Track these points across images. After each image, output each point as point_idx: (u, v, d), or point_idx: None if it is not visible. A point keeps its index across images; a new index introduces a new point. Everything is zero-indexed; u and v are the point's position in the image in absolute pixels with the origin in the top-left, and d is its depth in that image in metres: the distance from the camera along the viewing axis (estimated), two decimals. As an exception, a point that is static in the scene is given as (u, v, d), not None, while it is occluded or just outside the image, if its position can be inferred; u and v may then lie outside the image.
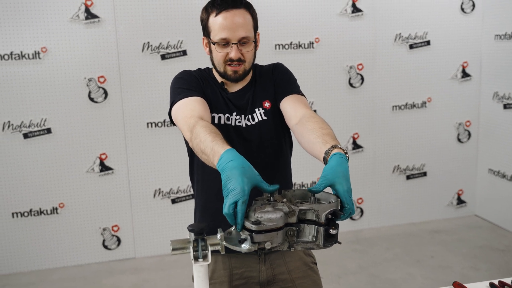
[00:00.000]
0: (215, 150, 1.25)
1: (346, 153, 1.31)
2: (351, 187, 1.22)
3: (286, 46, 3.86)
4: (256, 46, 1.63)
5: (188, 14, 3.64)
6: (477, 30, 4.23)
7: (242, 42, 1.55)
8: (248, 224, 1.14)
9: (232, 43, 1.54)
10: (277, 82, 1.69)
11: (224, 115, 1.63)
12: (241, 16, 1.54)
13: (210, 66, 1.72)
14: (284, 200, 1.22)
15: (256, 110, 1.65)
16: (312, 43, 3.91)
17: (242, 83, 1.68)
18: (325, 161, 1.31)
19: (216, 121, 1.62)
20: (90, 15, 3.50)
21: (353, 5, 3.94)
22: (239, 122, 1.63)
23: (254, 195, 1.22)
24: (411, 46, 4.11)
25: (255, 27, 1.61)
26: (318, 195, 1.27)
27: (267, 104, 1.66)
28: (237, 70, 1.59)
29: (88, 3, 3.48)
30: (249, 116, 1.64)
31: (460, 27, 4.19)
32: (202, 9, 1.62)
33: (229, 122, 1.62)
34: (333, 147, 1.32)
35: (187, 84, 1.62)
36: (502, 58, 4.08)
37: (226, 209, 1.12)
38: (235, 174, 1.14)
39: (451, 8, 4.15)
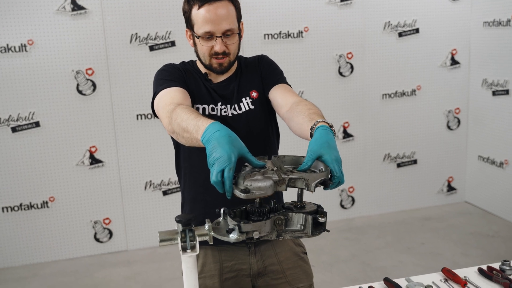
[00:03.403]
0: (199, 125, 1.23)
1: (331, 126, 1.31)
2: (339, 156, 1.22)
3: (275, 36, 3.84)
4: (240, 37, 1.61)
5: (176, 4, 3.61)
6: (465, 17, 4.23)
7: (226, 34, 1.54)
8: (237, 193, 1.13)
9: (217, 36, 1.53)
10: (264, 72, 1.69)
11: (208, 106, 1.62)
12: (225, 8, 1.52)
13: (195, 58, 1.71)
14: (275, 168, 1.20)
15: (243, 99, 1.64)
16: (301, 32, 3.90)
17: (227, 73, 1.67)
18: (311, 136, 1.31)
19: (200, 112, 1.61)
20: (76, 6, 3.46)
21: (342, -6, 3.93)
22: (224, 112, 1.62)
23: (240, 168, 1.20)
24: (400, 34, 4.11)
25: (239, 17, 1.60)
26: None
27: (254, 94, 1.66)
28: (222, 63, 1.58)
29: (74, -6, 3.45)
30: (236, 105, 1.63)
31: (449, 15, 4.19)
32: (184, 0, 1.60)
33: (214, 113, 1.61)
34: (318, 122, 1.32)
35: (169, 76, 1.61)
36: (491, 45, 4.09)
37: (214, 177, 1.11)
38: (222, 142, 1.12)
39: (440, -4, 4.15)
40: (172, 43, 3.66)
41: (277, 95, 1.62)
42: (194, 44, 1.61)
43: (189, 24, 1.59)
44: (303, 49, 3.92)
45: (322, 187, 1.21)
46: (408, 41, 4.14)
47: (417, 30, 4.14)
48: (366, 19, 4.01)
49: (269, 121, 1.70)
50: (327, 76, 4.02)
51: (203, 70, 1.67)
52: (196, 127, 1.24)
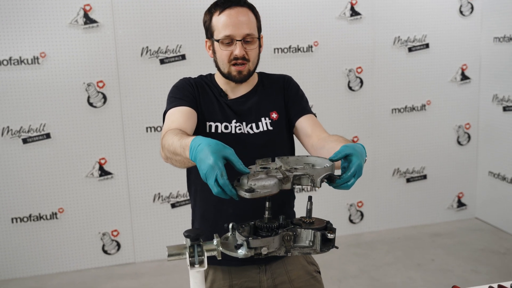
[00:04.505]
0: (184, 145, 1.24)
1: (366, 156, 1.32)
2: (362, 170, 1.22)
3: (285, 50, 3.86)
4: (260, 47, 1.61)
5: (187, 18, 3.65)
6: (476, 32, 4.23)
7: (246, 40, 1.54)
8: (241, 193, 1.12)
9: (237, 40, 1.53)
10: (292, 98, 1.68)
11: (221, 124, 1.59)
12: (245, 14, 1.54)
13: (210, 71, 1.70)
14: (278, 166, 1.20)
15: (263, 119, 1.62)
16: (311, 47, 3.91)
17: (245, 89, 1.65)
18: None
19: (213, 130, 1.59)
20: (88, 20, 3.51)
21: (352, 9, 3.94)
22: (239, 129, 1.59)
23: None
24: (410, 49, 4.11)
25: (259, 28, 1.60)
26: (313, 161, 1.27)
27: (274, 115, 1.64)
28: (241, 70, 1.56)
29: (87, 8, 3.49)
30: (253, 124, 1.61)
31: (459, 30, 4.19)
32: (204, 12, 1.61)
33: (228, 131, 1.59)
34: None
35: (179, 93, 1.60)
36: (501, 60, 4.08)
37: (214, 190, 1.11)
38: (205, 154, 1.12)
39: (450, 11, 4.15)
40: (183, 57, 3.69)
41: (307, 126, 1.62)
42: (214, 53, 1.60)
43: (209, 32, 1.59)
44: (312, 64, 3.93)
45: (328, 183, 1.21)
46: (418, 56, 4.14)
47: (427, 45, 4.14)
48: (376, 34, 4.02)
49: (285, 144, 1.67)
50: (336, 90, 4.02)
51: (220, 83, 1.65)
52: (182, 148, 1.25)
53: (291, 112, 1.66)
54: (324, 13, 3.89)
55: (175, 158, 1.33)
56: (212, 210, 1.61)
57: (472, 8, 4.17)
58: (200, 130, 1.60)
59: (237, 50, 1.53)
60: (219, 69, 1.61)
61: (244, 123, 1.60)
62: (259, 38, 1.60)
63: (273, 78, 1.72)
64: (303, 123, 1.63)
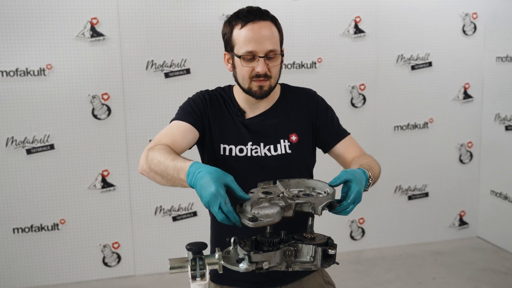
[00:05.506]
0: (179, 168, 1.24)
1: (371, 180, 1.34)
2: (362, 196, 1.24)
3: (289, 66, 3.89)
4: (282, 62, 1.54)
5: (192, 33, 3.68)
6: (478, 52, 4.25)
7: (269, 56, 1.46)
8: (245, 221, 1.14)
9: (259, 57, 1.45)
10: (323, 122, 1.62)
11: (236, 147, 1.53)
12: (268, 29, 1.46)
13: (214, 86, 1.67)
14: (281, 194, 1.21)
15: (281, 141, 1.55)
16: (315, 63, 3.94)
17: (265, 106, 1.58)
18: None
19: (227, 153, 1.53)
20: (95, 33, 3.55)
21: (356, 26, 3.98)
22: (256, 152, 1.54)
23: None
24: (413, 67, 4.14)
25: (281, 41, 1.53)
26: (314, 184, 1.29)
27: (293, 138, 1.57)
28: (262, 86, 1.48)
29: (94, 21, 3.53)
30: (271, 146, 1.54)
31: (462, 49, 4.22)
32: (224, 22, 1.54)
33: (243, 154, 1.53)
34: (362, 167, 1.35)
35: (189, 108, 1.56)
36: (504, 80, 4.10)
37: (218, 217, 1.12)
38: (205, 183, 1.13)
39: (453, 31, 4.18)
40: (187, 71, 3.72)
41: (344, 151, 1.62)
42: (233, 67, 1.52)
43: (229, 46, 1.51)
44: (316, 80, 3.95)
45: (328, 209, 1.23)
46: (421, 74, 4.16)
47: (430, 64, 4.17)
48: (379, 52, 4.05)
49: (304, 167, 1.62)
50: (339, 107, 4.00)
51: (239, 99, 1.59)
52: (176, 170, 1.25)
53: (325, 138, 1.61)
54: (328, 30, 3.93)
55: (163, 176, 1.31)
56: (227, 233, 1.53)
57: (475, 27, 4.21)
58: (213, 151, 1.55)
59: (260, 67, 1.45)
60: (239, 84, 1.54)
61: (261, 144, 1.54)
62: (282, 53, 1.52)
63: (297, 93, 1.65)
64: (339, 149, 1.61)
